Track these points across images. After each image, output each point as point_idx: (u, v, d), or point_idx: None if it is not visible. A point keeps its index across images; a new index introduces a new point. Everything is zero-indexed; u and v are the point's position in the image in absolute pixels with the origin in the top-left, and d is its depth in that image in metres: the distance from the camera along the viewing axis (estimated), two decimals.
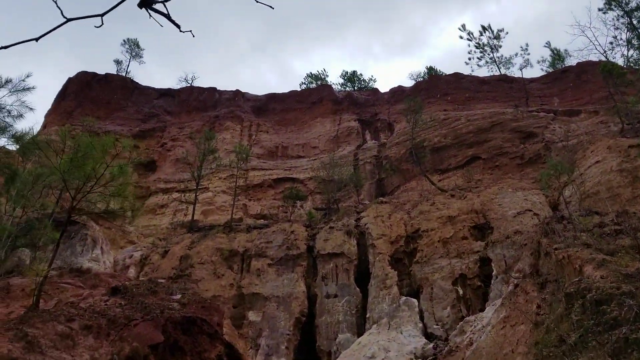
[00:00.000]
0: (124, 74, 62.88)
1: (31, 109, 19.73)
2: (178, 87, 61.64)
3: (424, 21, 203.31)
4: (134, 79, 61.54)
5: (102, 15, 2.74)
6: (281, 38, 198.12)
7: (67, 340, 9.77)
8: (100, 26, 2.79)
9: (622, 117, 36.59)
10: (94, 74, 59.09)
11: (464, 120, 43.60)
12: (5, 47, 2.72)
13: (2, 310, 12.65)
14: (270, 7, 2.85)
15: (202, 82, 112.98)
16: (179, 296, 14.36)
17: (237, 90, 59.80)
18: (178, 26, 2.79)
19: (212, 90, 59.63)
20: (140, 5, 2.70)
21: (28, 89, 18.82)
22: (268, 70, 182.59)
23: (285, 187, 43.96)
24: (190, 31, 2.90)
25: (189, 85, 62.73)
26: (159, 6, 2.71)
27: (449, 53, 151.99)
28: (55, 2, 2.70)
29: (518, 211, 29.24)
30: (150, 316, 11.50)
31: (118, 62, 64.40)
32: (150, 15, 2.65)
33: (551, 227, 19.94)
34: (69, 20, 2.70)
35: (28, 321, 9.45)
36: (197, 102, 57.67)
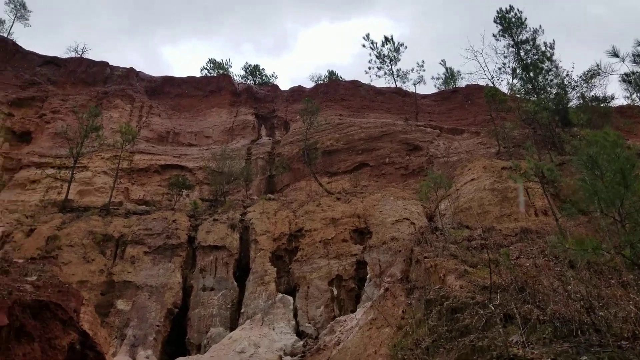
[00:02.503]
0: (5, 35, 57.45)
1: None
2: (66, 56, 57.35)
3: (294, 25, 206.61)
4: (17, 42, 56.36)
5: None
6: (150, 24, 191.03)
7: None
8: None
9: (499, 140, 39.48)
10: None
11: (356, 127, 44.81)
12: None
13: None
14: None
15: (97, 56, 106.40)
16: (34, 278, 13.25)
17: (131, 68, 56.85)
18: None
19: (104, 64, 56.15)
20: None
21: None
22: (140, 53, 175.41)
23: (173, 174, 42.43)
24: None
25: (79, 56, 58.59)
26: None
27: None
28: None
29: (397, 219, 30.50)
30: None
31: (0, 22, 58.75)
32: None
33: (425, 236, 20.90)
34: None
35: None
36: (85, 74, 53.98)
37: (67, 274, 27.23)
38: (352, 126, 45.21)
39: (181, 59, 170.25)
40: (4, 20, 59.08)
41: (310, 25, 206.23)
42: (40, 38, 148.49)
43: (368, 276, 27.23)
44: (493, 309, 10.16)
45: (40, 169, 41.65)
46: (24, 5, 59.71)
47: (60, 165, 41.34)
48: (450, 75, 61.36)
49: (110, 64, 56.49)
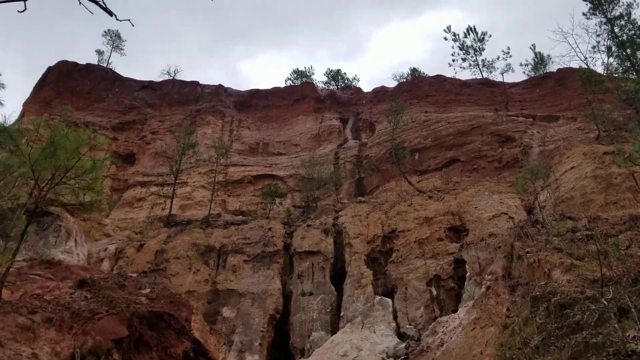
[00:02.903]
0: (105, 65, 62.08)
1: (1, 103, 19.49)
2: (160, 79, 61.02)
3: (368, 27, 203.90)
4: (115, 70, 60.79)
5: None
6: (228, 41, 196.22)
7: (27, 333, 9.58)
8: (23, 11, 2.71)
9: (598, 124, 37.08)
10: (75, 64, 58.22)
11: (444, 123, 43.86)
12: None
13: None
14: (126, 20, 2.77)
15: (185, 76, 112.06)
16: (147, 290, 14.20)
17: (220, 85, 59.44)
18: (112, 14, 2.72)
19: (195, 84, 59.16)
20: None
21: None
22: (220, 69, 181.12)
23: (265, 184, 43.79)
24: (129, 20, 2.85)
25: (171, 78, 62.11)
26: None
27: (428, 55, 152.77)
28: None
29: (493, 214, 29.49)
30: (116, 310, 11.33)
31: (100, 53, 63.58)
32: (80, 2, 2.58)
33: (525, 230, 20.14)
34: None
35: None
36: (178, 95, 57.16)
37: (176, 285, 28.80)
38: (440, 122, 44.31)
39: (260, 71, 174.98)
40: (103, 52, 63.92)
41: (383, 25, 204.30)
42: (133, 64, 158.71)
43: (467, 275, 26.55)
44: (606, 303, 9.62)
45: (145, 187, 44.59)
46: (119, 36, 64.23)
47: (162, 183, 44.03)
48: (540, 60, 58.35)
49: (200, 83, 59.40)
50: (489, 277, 20.63)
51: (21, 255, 14.57)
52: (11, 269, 13.74)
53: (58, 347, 9.72)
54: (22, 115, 49.97)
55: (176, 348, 12.17)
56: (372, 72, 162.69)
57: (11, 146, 22.83)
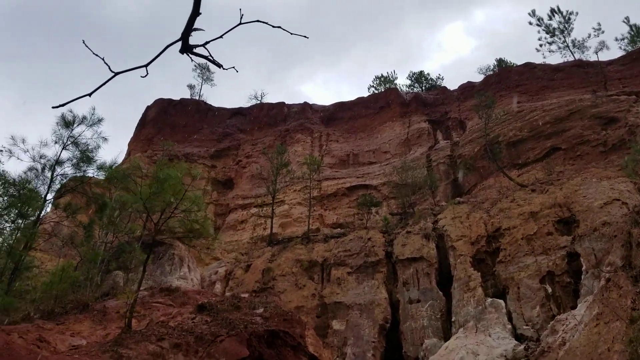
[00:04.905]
0: (197, 98, 65.62)
1: (105, 138, 21.32)
2: (249, 105, 63.48)
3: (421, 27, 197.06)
4: (207, 101, 64.08)
5: (146, 66, 2.98)
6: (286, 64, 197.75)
7: (158, 359, 10.29)
8: (145, 76, 3.04)
9: None
10: (170, 100, 62.06)
11: (539, 111, 41.82)
12: (61, 105, 3.02)
13: (100, 332, 13.54)
14: (305, 37, 2.97)
15: (271, 98, 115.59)
16: (261, 310, 14.74)
17: (305, 103, 60.77)
18: (220, 65, 2.98)
19: (281, 105, 60.93)
20: (181, 52, 2.91)
21: (100, 120, 20.41)
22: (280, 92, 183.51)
23: (359, 195, 44.00)
24: (234, 67, 3.10)
25: (259, 102, 64.40)
26: (200, 49, 2.91)
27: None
28: (103, 59, 2.97)
29: (605, 201, 27.63)
30: (235, 331, 11.89)
31: (191, 87, 67.43)
32: (192, 60, 2.86)
33: None
34: (116, 74, 2.96)
35: (122, 342, 10.08)
36: (267, 117, 59.10)
37: (285, 302, 29.59)
38: (534, 111, 42.31)
39: (317, 92, 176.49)
40: (194, 85, 67.63)
41: (458, 19, 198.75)
42: (222, 92, 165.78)
43: (583, 268, 25.04)
44: None
45: (245, 210, 46.44)
46: (208, 69, 67.70)
47: (261, 204, 45.64)
48: (637, 33, 54.08)
49: (286, 103, 61.07)
50: (608, 268, 19.34)
51: (142, 285, 15.68)
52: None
53: None
54: (128, 154, 53.96)
55: None
56: (454, 71, 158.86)
57: (125, 184, 24.83)
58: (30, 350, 7.61)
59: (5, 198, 19.11)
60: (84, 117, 20.73)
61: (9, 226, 19.88)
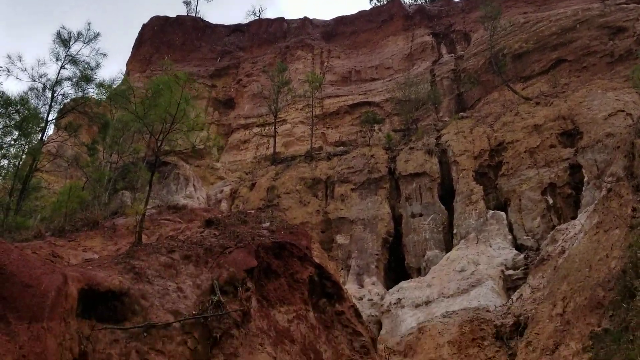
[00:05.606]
0: (193, 14, 63.63)
1: (104, 54, 20.86)
2: (247, 21, 61.60)
3: None
4: (204, 18, 62.17)
5: None
6: None
7: (170, 270, 10.61)
8: None
9: None
10: (166, 18, 60.25)
11: (546, 22, 40.49)
12: None
13: (111, 247, 13.90)
14: None
15: (270, 14, 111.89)
16: (267, 224, 15.03)
17: (305, 18, 58.90)
18: None
19: (280, 20, 59.13)
20: None
21: (96, 36, 19.89)
22: None
23: (362, 112, 43.62)
24: None
25: (257, 18, 62.42)
26: None
27: None
28: None
29: (609, 113, 27.39)
30: (243, 243, 12.16)
31: (187, 3, 65.14)
32: None
33: None
34: None
35: (134, 255, 10.36)
36: (266, 34, 57.55)
37: (290, 218, 30.16)
38: (541, 22, 40.97)
39: (318, 5, 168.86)
40: (190, 1, 65.32)
41: None
42: (217, 8, 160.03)
43: (585, 179, 25.26)
44: None
45: (248, 130, 46.33)
46: None
47: (263, 123, 45.43)
48: None
49: (285, 18, 59.24)
50: (609, 178, 19.49)
51: (149, 204, 15.92)
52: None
53: (198, 280, 10.70)
54: (127, 74, 53.05)
55: (301, 274, 12.90)
56: None
57: (123, 104, 24.60)
58: (45, 262, 7.84)
59: (6, 119, 19.00)
60: (80, 33, 20.17)
61: (14, 147, 19.93)
